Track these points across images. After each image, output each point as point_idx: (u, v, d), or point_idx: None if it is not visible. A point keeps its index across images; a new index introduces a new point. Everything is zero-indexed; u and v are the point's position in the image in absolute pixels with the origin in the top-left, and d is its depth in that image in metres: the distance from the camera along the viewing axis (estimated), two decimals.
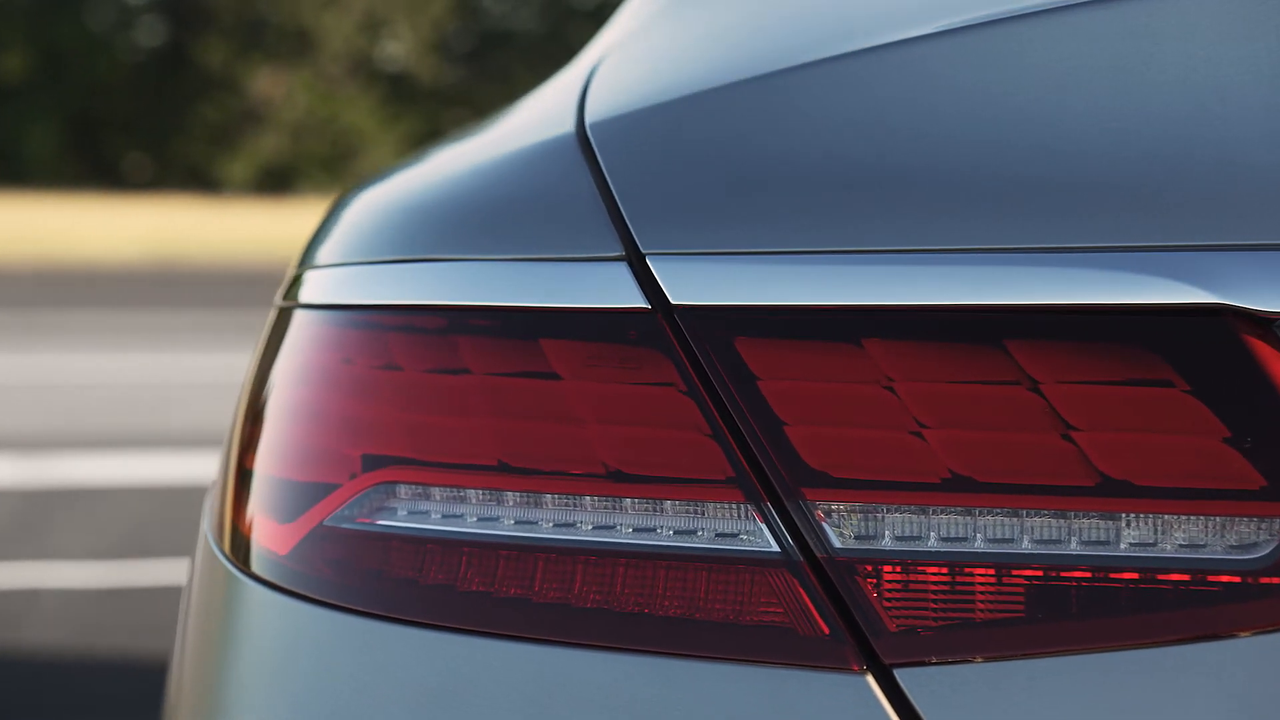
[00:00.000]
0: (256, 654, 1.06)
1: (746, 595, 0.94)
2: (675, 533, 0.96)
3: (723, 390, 0.95)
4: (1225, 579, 0.89)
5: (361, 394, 1.05)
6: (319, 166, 43.43)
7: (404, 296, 1.05)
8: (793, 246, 0.95)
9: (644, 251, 0.98)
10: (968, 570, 0.91)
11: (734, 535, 0.95)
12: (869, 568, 0.92)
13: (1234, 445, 0.88)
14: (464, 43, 47.78)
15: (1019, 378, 0.91)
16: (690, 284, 0.96)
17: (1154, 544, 0.90)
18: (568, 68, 1.36)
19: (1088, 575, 0.90)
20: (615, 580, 0.96)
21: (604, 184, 1.01)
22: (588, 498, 0.97)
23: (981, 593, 0.91)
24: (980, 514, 0.91)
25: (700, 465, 0.95)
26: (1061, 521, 0.90)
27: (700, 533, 0.95)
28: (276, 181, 42.29)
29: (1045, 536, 0.91)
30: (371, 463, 1.03)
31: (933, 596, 0.91)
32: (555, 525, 0.98)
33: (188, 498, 6.60)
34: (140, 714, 3.93)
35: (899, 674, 0.90)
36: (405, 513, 1.02)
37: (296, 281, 1.18)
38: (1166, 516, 0.89)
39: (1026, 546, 0.91)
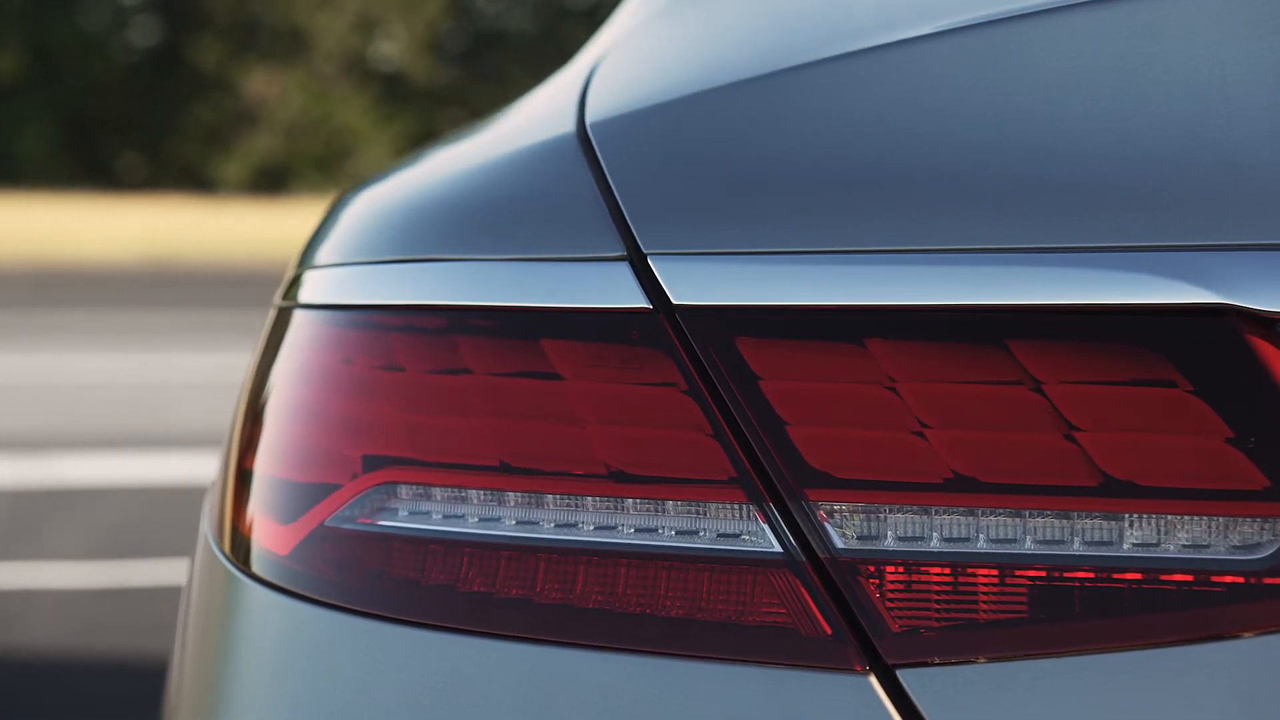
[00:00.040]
0: (257, 654, 1.06)
1: (749, 596, 0.94)
2: (677, 533, 0.96)
3: (724, 390, 0.95)
4: (1228, 579, 0.88)
5: (362, 394, 1.04)
6: (313, 166, 43.41)
7: (405, 296, 1.05)
8: (794, 246, 0.95)
9: (645, 251, 0.98)
10: (970, 571, 0.91)
11: (736, 536, 0.95)
12: (871, 568, 0.92)
13: (1237, 445, 0.88)
14: (458, 43, 47.77)
15: (1021, 378, 0.91)
16: (692, 284, 0.96)
17: (1157, 544, 0.90)
18: (566, 68, 1.36)
19: (1090, 576, 0.90)
20: (617, 581, 0.96)
21: (605, 184, 1.01)
22: (589, 498, 0.97)
23: (984, 593, 0.91)
24: (983, 514, 0.91)
25: (702, 465, 0.95)
26: (1064, 522, 0.90)
27: (702, 533, 0.95)
28: (271, 181, 42.27)
29: (1048, 537, 0.90)
30: (372, 463, 1.03)
31: (935, 597, 0.91)
32: (557, 526, 0.98)
33: (183, 497, 6.60)
34: (138, 714, 3.93)
35: (902, 674, 0.90)
36: (406, 513, 1.01)
37: (296, 282, 1.18)
38: (1169, 517, 0.89)
39: (1029, 547, 0.91)
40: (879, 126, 0.98)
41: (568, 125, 1.08)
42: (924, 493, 0.92)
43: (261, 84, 44.22)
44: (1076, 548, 0.90)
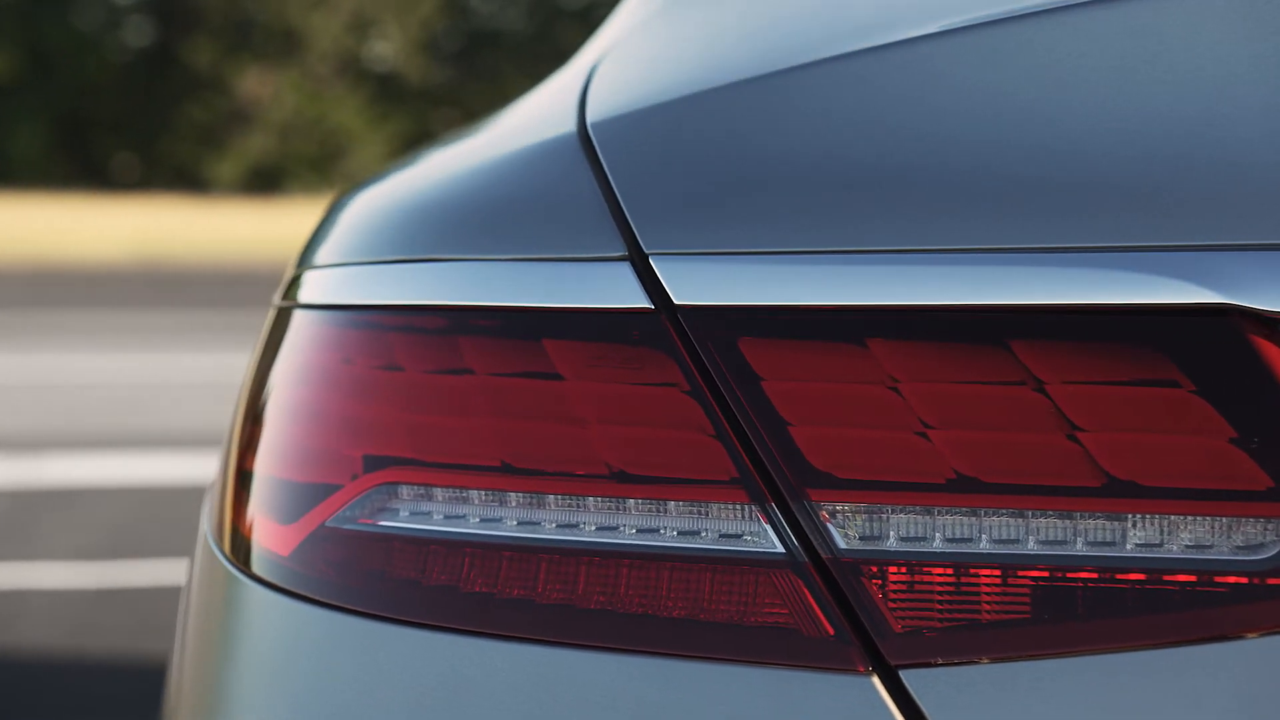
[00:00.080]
0: (257, 655, 1.05)
1: (751, 596, 0.94)
2: (679, 533, 0.96)
3: (726, 390, 0.95)
4: (1232, 580, 0.88)
5: (362, 394, 1.04)
6: (307, 166, 43.40)
7: (405, 296, 1.04)
8: (796, 246, 0.95)
9: (647, 251, 0.97)
10: (973, 571, 0.91)
11: (738, 536, 0.94)
12: (874, 568, 0.92)
13: (1240, 445, 0.88)
14: (452, 42, 47.76)
15: (1024, 378, 0.91)
16: (693, 284, 0.96)
17: (1160, 545, 0.89)
18: (565, 68, 1.36)
19: (1094, 576, 0.90)
20: (619, 581, 0.96)
21: (606, 184, 1.01)
22: (591, 498, 0.97)
23: (987, 594, 0.91)
24: (985, 515, 0.91)
25: (704, 466, 0.95)
26: (1067, 522, 0.90)
27: (704, 533, 0.95)
28: (264, 181, 42.25)
29: (1051, 537, 0.90)
30: (373, 463, 1.03)
31: (938, 597, 0.91)
32: (558, 526, 0.98)
33: (178, 498, 6.60)
34: (134, 714, 3.92)
35: (904, 675, 0.90)
36: (407, 514, 1.01)
37: (295, 282, 1.18)
38: (1172, 517, 0.89)
39: (1032, 547, 0.91)
40: (881, 126, 0.98)
41: (568, 125, 1.08)
42: (926, 493, 0.92)
43: (255, 84, 44.20)
44: (1079, 548, 0.90)
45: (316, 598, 1.03)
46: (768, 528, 0.94)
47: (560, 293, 0.99)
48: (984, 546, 0.91)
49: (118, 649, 4.47)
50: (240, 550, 1.11)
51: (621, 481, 0.96)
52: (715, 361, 0.95)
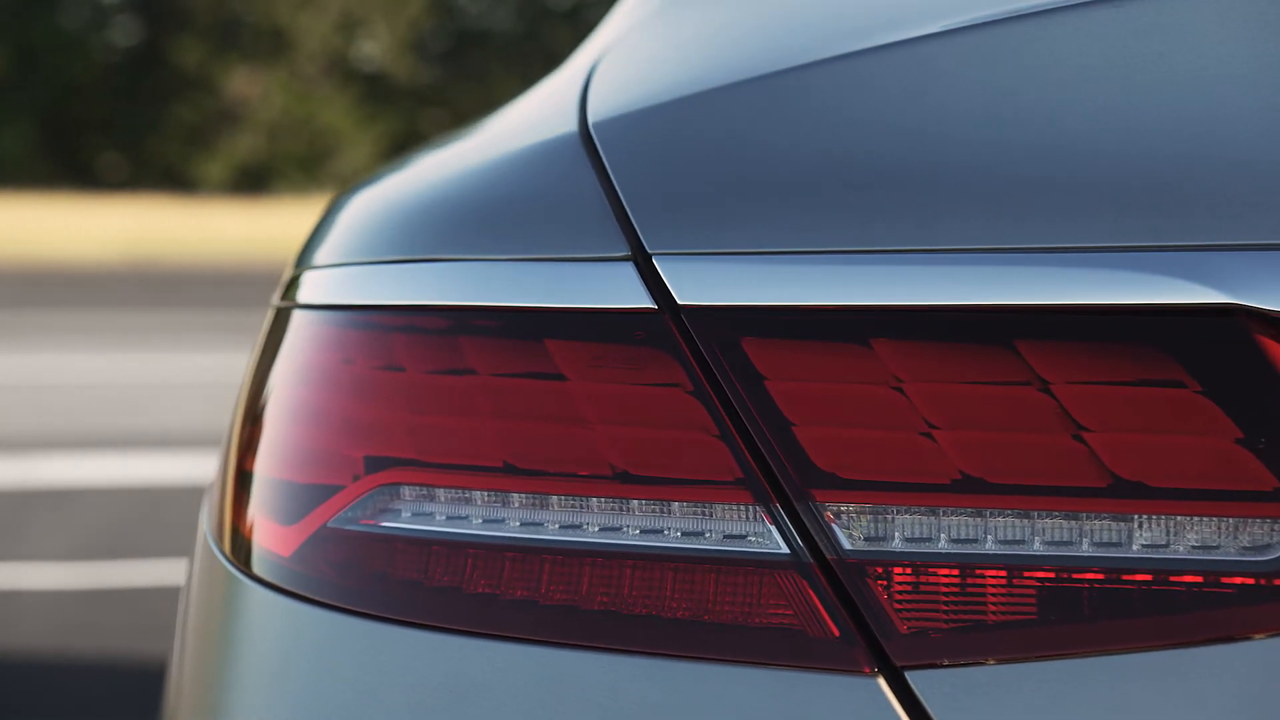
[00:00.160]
0: (258, 656, 1.05)
1: (755, 597, 0.93)
2: (683, 534, 0.95)
3: (730, 391, 0.94)
4: (1238, 580, 0.88)
5: (363, 395, 1.04)
6: (295, 166, 43.35)
7: (406, 297, 1.04)
8: (800, 246, 0.95)
9: (650, 251, 0.97)
10: (979, 572, 0.91)
11: (742, 537, 0.94)
12: (879, 569, 0.92)
13: (1246, 446, 0.88)
14: (440, 42, 47.73)
15: (1029, 378, 0.90)
16: (697, 284, 0.95)
17: (1166, 545, 0.89)
18: (562, 67, 1.35)
19: (1099, 577, 0.89)
20: (622, 582, 0.96)
21: (609, 183, 1.01)
22: (594, 499, 0.97)
23: (993, 594, 0.90)
24: (991, 515, 0.91)
25: (708, 466, 0.95)
26: (1073, 523, 0.90)
27: (708, 534, 0.95)
28: (252, 181, 42.20)
29: (1057, 538, 0.90)
30: (374, 464, 1.02)
31: (944, 598, 0.91)
32: (561, 527, 0.97)
33: (168, 498, 6.59)
34: (130, 714, 3.91)
35: (910, 676, 0.90)
36: (409, 514, 1.01)
37: (295, 282, 1.17)
38: (1178, 518, 0.89)
39: (1038, 548, 0.90)
40: (885, 125, 0.97)
41: (569, 125, 1.08)
42: (932, 493, 0.91)
43: (243, 84, 44.14)
44: (1085, 549, 0.90)
45: (318, 599, 1.03)
46: (772, 528, 0.93)
47: (563, 293, 0.99)
48: (989, 547, 0.91)
49: (111, 649, 4.47)
50: (241, 551, 1.10)
51: (625, 482, 0.96)
52: (719, 361, 0.95)
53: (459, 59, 47.09)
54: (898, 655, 0.90)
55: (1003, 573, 0.90)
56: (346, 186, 1.35)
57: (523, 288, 1.00)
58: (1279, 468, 0.88)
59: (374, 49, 46.13)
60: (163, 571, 5.36)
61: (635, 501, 0.96)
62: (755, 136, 1.00)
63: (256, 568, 1.08)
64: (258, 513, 1.10)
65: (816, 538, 0.93)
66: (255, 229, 26.96)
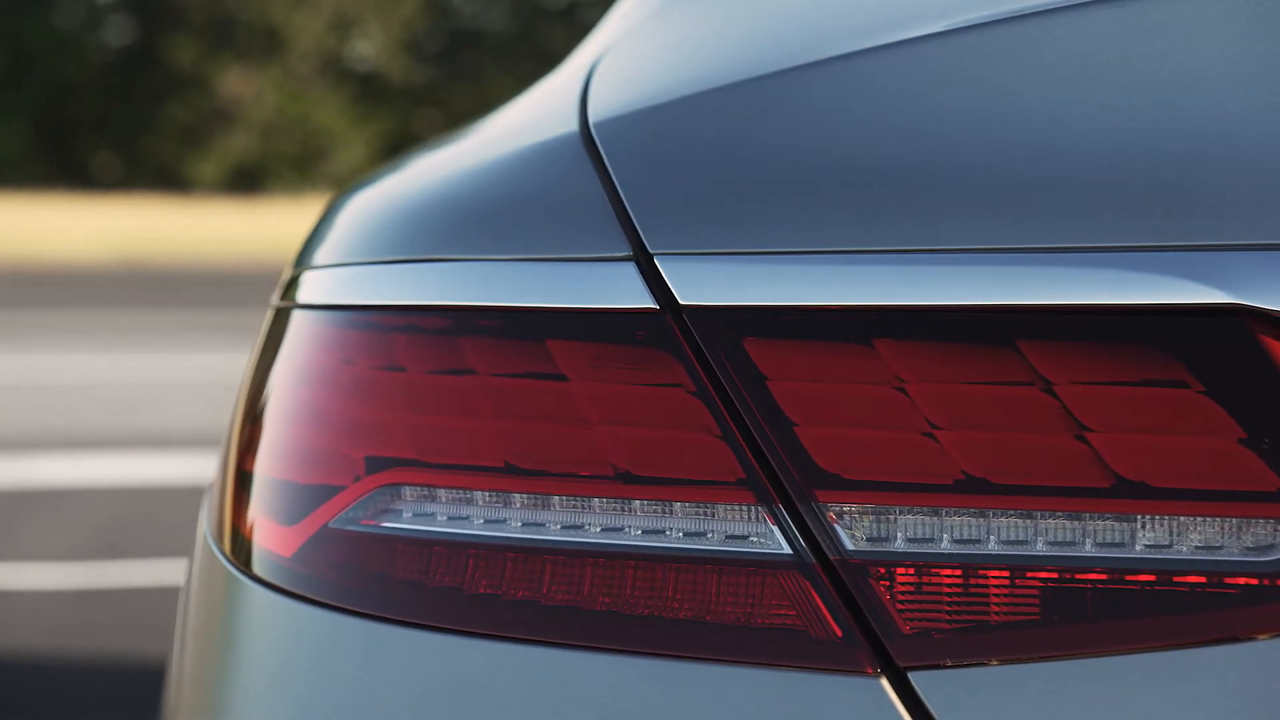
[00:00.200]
0: (258, 656, 1.05)
1: (758, 598, 0.93)
2: (685, 535, 0.95)
3: (732, 391, 0.94)
4: (1241, 581, 0.88)
5: (364, 395, 1.04)
6: (289, 166, 43.34)
7: (407, 297, 1.04)
8: (802, 246, 0.94)
9: (652, 251, 0.97)
10: (982, 572, 0.91)
11: (745, 537, 0.94)
12: (882, 570, 0.91)
13: (1250, 446, 0.88)
14: (434, 42, 47.73)
15: (1032, 378, 0.90)
16: (699, 284, 0.95)
17: (1169, 546, 0.89)
18: (561, 67, 1.35)
19: (1103, 577, 0.89)
20: (624, 583, 0.96)
21: (610, 183, 1.00)
22: (596, 499, 0.97)
23: (996, 595, 0.90)
24: (994, 515, 0.91)
25: (710, 467, 0.94)
26: (1076, 523, 0.90)
27: (710, 535, 0.95)
28: (246, 181, 42.19)
29: (1059, 538, 0.90)
30: (375, 464, 1.02)
31: (947, 599, 0.91)
32: (563, 527, 0.97)
33: (161, 497, 6.59)
34: (124, 714, 3.91)
35: (913, 677, 0.90)
36: (411, 515, 1.01)
37: (294, 282, 1.17)
38: (1181, 518, 0.89)
39: (1041, 548, 0.90)
40: (887, 125, 0.97)
41: (570, 124, 1.08)
42: (934, 494, 0.91)
43: (237, 83, 44.13)
44: (1088, 549, 0.90)
45: (319, 599, 1.02)
46: (774, 529, 0.93)
47: (564, 293, 0.98)
48: (992, 548, 0.91)
49: (108, 649, 4.46)
50: (241, 551, 1.10)
51: (627, 482, 0.96)
52: (721, 362, 0.94)
53: (453, 59, 47.09)
54: (900, 656, 0.90)
55: (1005, 573, 0.90)
56: (345, 186, 1.34)
57: (524, 288, 1.00)
58: None
59: (368, 49, 46.13)
60: (158, 571, 5.36)
61: (637, 502, 0.96)
62: (757, 136, 1.00)
63: (257, 568, 1.08)
64: (258, 513, 1.09)
65: (819, 538, 0.92)
66: (249, 228, 26.95)
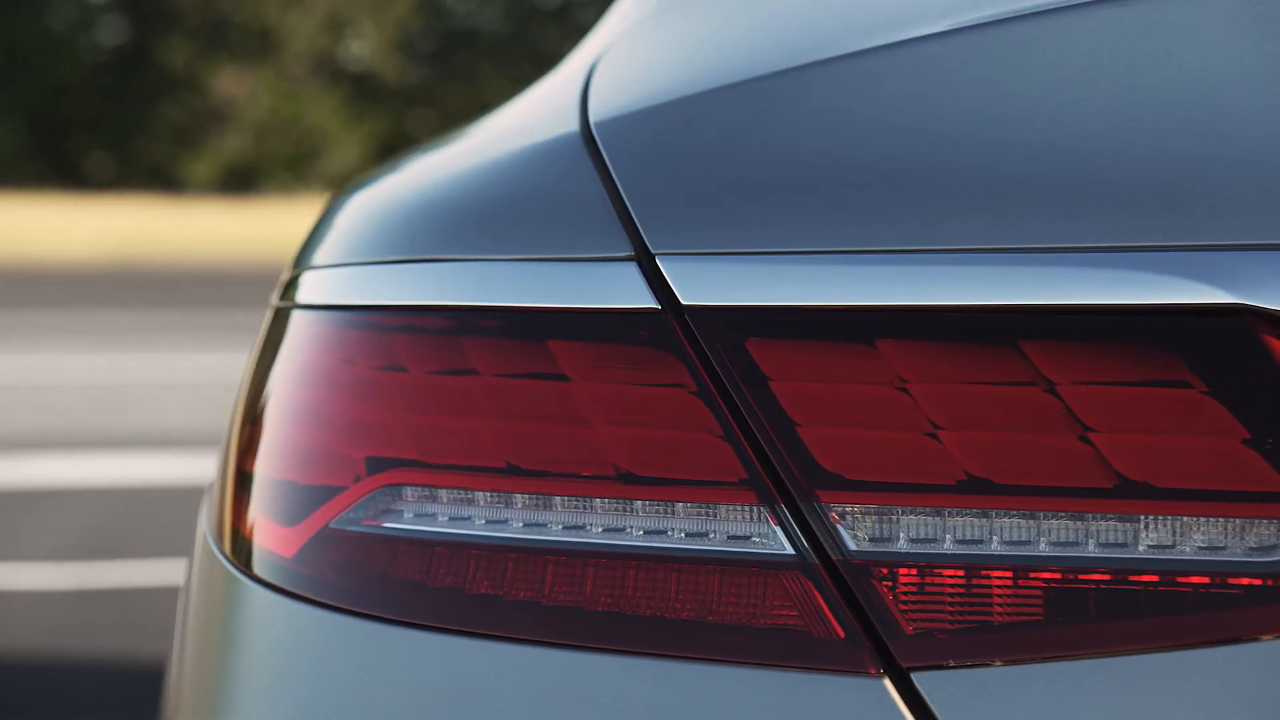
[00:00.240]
0: (259, 656, 1.05)
1: (760, 598, 0.93)
2: (687, 535, 0.95)
3: (735, 391, 0.94)
4: (1245, 581, 0.88)
5: (364, 395, 1.04)
6: (283, 166, 43.31)
7: (408, 297, 1.04)
8: (805, 246, 0.94)
9: (654, 251, 0.97)
10: (984, 573, 0.90)
11: (747, 538, 0.94)
12: (884, 570, 0.91)
13: (1253, 446, 0.88)
14: (428, 42, 47.70)
15: (1035, 379, 0.90)
16: (701, 284, 0.95)
17: (1172, 546, 0.89)
18: (560, 67, 1.35)
19: (1106, 578, 0.89)
20: (626, 583, 0.95)
21: (611, 183, 1.00)
22: (598, 500, 0.96)
23: (999, 595, 0.90)
24: (996, 516, 0.91)
25: (712, 467, 0.94)
26: (1079, 523, 0.90)
27: (713, 535, 0.95)
28: (240, 181, 42.15)
29: (1063, 539, 0.90)
30: (376, 465, 1.02)
31: (949, 599, 0.91)
32: (565, 528, 0.97)
33: (154, 498, 6.58)
34: (118, 714, 3.90)
35: (916, 677, 0.90)
36: (412, 515, 1.01)
37: (293, 282, 1.17)
38: (1185, 519, 0.89)
39: (1044, 549, 0.90)
40: (890, 125, 0.97)
41: (570, 124, 1.07)
42: (937, 494, 0.91)
43: (230, 84, 44.10)
44: (1091, 550, 0.90)
45: (320, 599, 1.02)
46: (777, 529, 0.93)
47: (566, 293, 0.98)
48: (995, 548, 0.91)
49: (103, 649, 4.46)
50: (241, 552, 1.10)
51: (629, 483, 0.96)
52: (723, 362, 0.94)
53: (447, 59, 47.07)
54: (903, 656, 0.90)
55: (1008, 573, 0.90)
56: (344, 186, 1.34)
57: (525, 288, 0.99)
58: None
59: (361, 49, 46.11)
60: (154, 571, 5.35)
61: (639, 502, 0.96)
62: (759, 136, 0.99)
63: (257, 568, 1.07)
64: (258, 514, 1.09)
65: (821, 538, 0.92)
66: (242, 229, 26.94)
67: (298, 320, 1.12)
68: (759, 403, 0.93)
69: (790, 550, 0.93)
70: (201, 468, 7.08)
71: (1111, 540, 0.89)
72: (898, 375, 0.92)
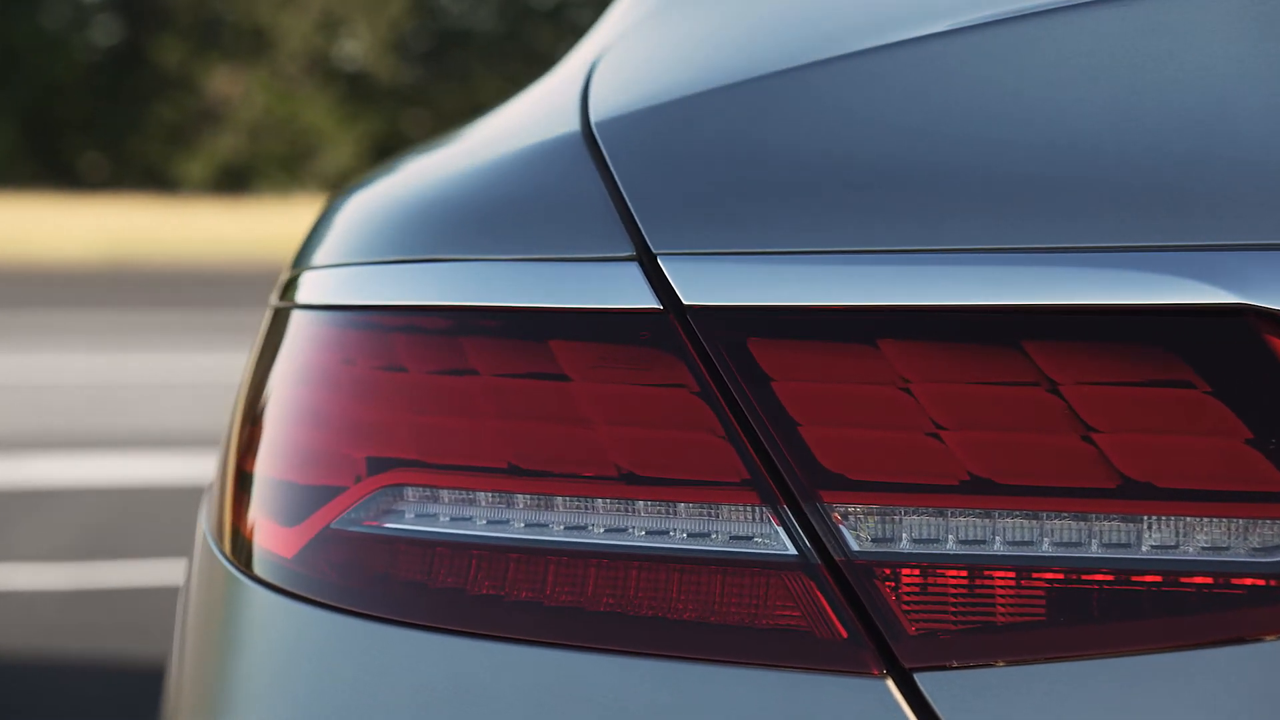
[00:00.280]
0: (259, 657, 1.05)
1: (762, 598, 0.93)
2: (689, 535, 0.95)
3: (736, 391, 0.94)
4: (1248, 582, 0.88)
5: (364, 395, 1.03)
6: (277, 166, 43.29)
7: (408, 297, 1.03)
8: (806, 246, 0.94)
9: (655, 251, 0.97)
10: (987, 573, 0.90)
11: (749, 538, 0.94)
12: (887, 570, 0.91)
13: (1256, 446, 0.88)
14: (422, 42, 47.69)
15: (1037, 379, 0.90)
16: (703, 284, 0.95)
17: (1175, 546, 0.89)
18: (559, 66, 1.35)
19: (1109, 578, 0.89)
20: (628, 584, 0.95)
21: (613, 183, 1.00)
22: (599, 500, 0.96)
23: (1002, 596, 0.90)
24: (999, 516, 0.91)
25: (714, 467, 0.94)
26: (1082, 524, 0.90)
27: (715, 535, 0.94)
28: (234, 181, 42.13)
29: (1065, 539, 0.90)
30: (377, 465, 1.02)
31: (952, 599, 0.90)
32: (566, 528, 0.97)
33: (149, 498, 6.58)
34: (113, 714, 3.90)
35: (919, 678, 0.90)
36: (413, 516, 1.00)
37: (293, 283, 1.17)
38: (1188, 519, 0.89)
39: (1046, 549, 0.90)
40: (891, 125, 0.97)
41: (571, 124, 1.07)
42: (939, 494, 0.91)
43: (224, 83, 44.08)
44: (1094, 550, 0.90)
45: (321, 600, 1.02)
46: (779, 529, 0.93)
47: (567, 293, 0.98)
48: (998, 548, 0.90)
49: (99, 649, 4.45)
50: (241, 552, 1.10)
51: (630, 483, 0.96)
52: (725, 362, 0.94)
53: (441, 59, 47.06)
54: (906, 657, 0.90)
55: (1011, 574, 0.90)
56: (343, 186, 1.34)
57: (526, 288, 0.99)
58: None
59: (355, 48, 46.09)
60: (151, 572, 5.35)
61: (641, 503, 0.95)
62: (760, 136, 0.99)
63: (258, 569, 1.07)
64: (259, 514, 1.09)
65: (824, 539, 0.92)
66: (237, 228, 26.93)
67: (298, 320, 1.12)
68: (761, 403, 0.93)
69: (793, 550, 0.93)
70: (198, 467, 7.08)
71: (1114, 540, 0.89)
72: (900, 375, 0.92)
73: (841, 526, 0.92)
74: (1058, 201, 0.92)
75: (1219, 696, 0.87)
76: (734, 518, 0.94)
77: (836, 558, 0.92)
